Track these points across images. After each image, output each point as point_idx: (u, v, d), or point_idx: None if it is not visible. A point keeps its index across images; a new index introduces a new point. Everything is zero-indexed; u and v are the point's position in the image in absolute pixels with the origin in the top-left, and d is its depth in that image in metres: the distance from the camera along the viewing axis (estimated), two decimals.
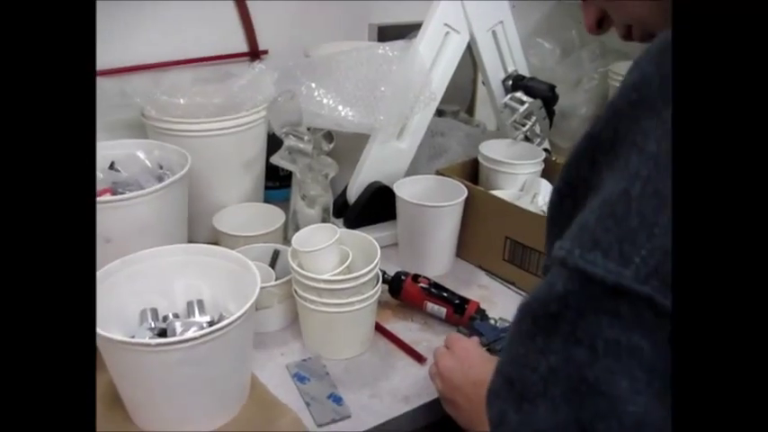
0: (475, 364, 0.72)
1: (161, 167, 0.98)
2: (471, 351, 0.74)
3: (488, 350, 0.78)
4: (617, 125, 0.39)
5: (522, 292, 1.02)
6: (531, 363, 0.37)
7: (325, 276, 0.83)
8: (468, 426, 0.70)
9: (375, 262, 0.85)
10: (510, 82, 1.18)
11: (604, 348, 0.35)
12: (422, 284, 0.94)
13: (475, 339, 0.78)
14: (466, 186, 1.04)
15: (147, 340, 0.70)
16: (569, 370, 0.35)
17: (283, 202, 1.14)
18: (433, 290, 0.94)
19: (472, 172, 1.16)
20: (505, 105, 1.16)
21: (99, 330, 0.68)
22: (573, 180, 0.43)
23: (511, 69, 1.19)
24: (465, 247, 1.08)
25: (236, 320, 0.70)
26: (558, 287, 0.37)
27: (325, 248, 0.84)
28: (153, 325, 0.81)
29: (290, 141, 1.05)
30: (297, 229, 1.10)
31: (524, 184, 1.11)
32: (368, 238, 0.90)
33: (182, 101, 1.04)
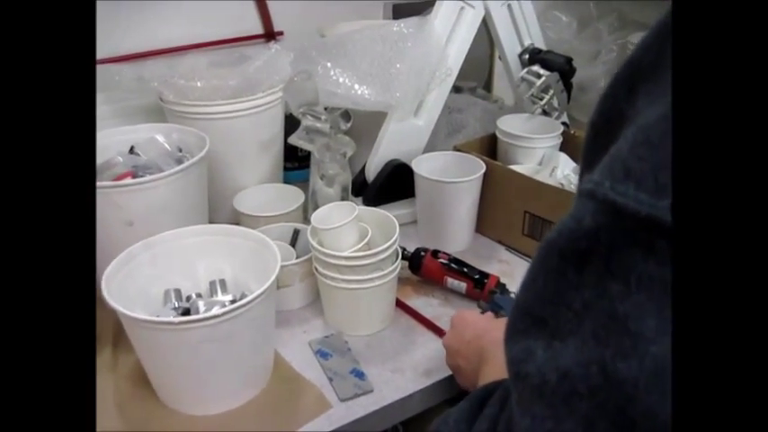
0: (467, 326, 0.74)
1: (180, 150, 0.98)
2: (466, 317, 0.76)
3: None
4: (659, 48, 0.35)
5: None
6: (566, 300, 0.35)
7: (345, 253, 0.83)
8: (471, 385, 0.71)
9: (394, 237, 0.84)
10: (526, 56, 1.17)
11: (637, 283, 0.32)
12: (442, 260, 0.94)
13: (474, 310, 0.79)
14: (484, 162, 1.03)
15: (170, 319, 0.70)
16: (602, 304, 0.33)
17: (303, 183, 1.14)
18: (452, 265, 0.93)
19: (490, 147, 1.15)
20: (522, 79, 1.14)
21: (125, 311, 0.69)
22: (608, 111, 0.38)
23: (527, 43, 1.17)
24: (484, 223, 1.07)
25: (257, 297, 0.70)
26: (586, 221, 0.33)
27: (345, 226, 0.84)
28: (177, 305, 0.81)
29: (307, 121, 1.04)
30: (316, 208, 1.09)
31: (543, 159, 1.10)
32: (386, 215, 0.90)
33: (198, 84, 1.04)
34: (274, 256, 0.78)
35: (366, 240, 0.86)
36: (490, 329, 0.72)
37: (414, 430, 1.21)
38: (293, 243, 0.97)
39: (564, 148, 1.11)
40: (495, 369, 0.65)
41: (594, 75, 1.40)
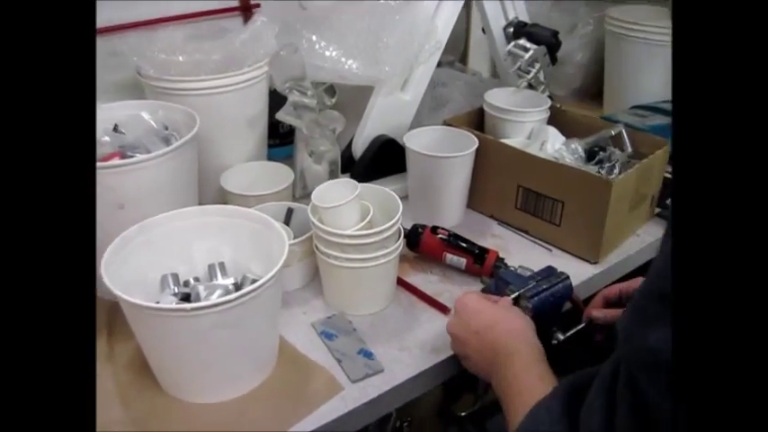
0: (473, 315, 0.73)
1: (166, 128, 0.93)
2: (468, 304, 0.74)
3: (517, 299, 0.77)
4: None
5: (537, 240, 1.01)
6: None
7: (349, 232, 0.81)
8: (486, 375, 0.70)
9: (398, 216, 0.83)
10: (511, 29, 1.15)
11: None
12: (441, 236, 0.93)
13: (473, 292, 0.78)
14: (476, 136, 1.02)
15: (181, 305, 0.67)
16: None
17: (285, 160, 1.11)
18: (452, 240, 0.92)
19: (478, 122, 1.14)
20: (509, 53, 1.13)
21: (126, 297, 0.65)
22: None
23: (512, 16, 1.16)
24: (477, 198, 1.07)
25: (269, 281, 0.68)
26: None
27: (347, 203, 0.82)
28: (176, 290, 0.78)
29: (293, 96, 1.01)
30: (305, 186, 1.09)
31: (531, 132, 1.10)
32: (387, 192, 0.88)
33: (180, 58, 0.99)
34: (280, 236, 0.75)
35: (369, 218, 0.84)
36: (500, 320, 0.71)
37: (405, 410, 1.22)
38: (287, 222, 0.95)
39: (551, 121, 1.11)
40: (522, 362, 0.64)
41: (571, 48, 1.41)
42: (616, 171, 0.96)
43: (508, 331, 0.69)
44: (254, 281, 0.75)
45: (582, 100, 1.49)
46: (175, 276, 0.79)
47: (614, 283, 0.97)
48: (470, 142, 1.01)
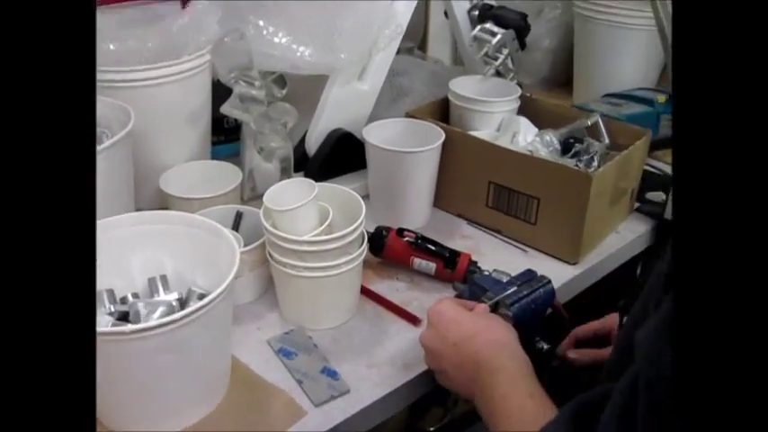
0: (450, 326, 0.70)
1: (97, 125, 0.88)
2: (444, 313, 0.71)
3: (495, 307, 0.74)
4: None
5: (510, 240, 1.00)
6: None
7: (307, 237, 0.77)
8: (467, 393, 0.68)
9: (360, 219, 0.80)
10: (476, 12, 1.13)
11: None
12: (408, 238, 0.90)
13: (448, 299, 0.75)
14: (442, 128, 1.00)
15: (119, 327, 0.62)
16: None
17: (231, 158, 1.07)
18: (420, 244, 0.90)
19: (442, 113, 1.13)
20: (475, 38, 1.11)
21: None
22: None
23: None
24: (443, 196, 1.05)
25: (219, 295, 0.64)
26: None
27: (304, 205, 0.78)
28: (112, 309, 0.73)
29: (239, 88, 0.98)
30: (254, 187, 1.06)
31: (501, 123, 1.08)
32: (348, 192, 0.85)
33: (111, 46, 0.93)
34: (229, 244, 0.71)
35: (328, 221, 0.81)
36: (481, 330, 0.69)
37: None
38: (236, 228, 0.91)
39: (522, 111, 1.10)
40: (509, 378, 0.62)
41: (538, 34, 1.39)
42: (595, 164, 0.95)
43: (490, 342, 0.66)
44: (201, 295, 0.72)
45: (551, 89, 1.48)
46: (111, 293, 0.74)
47: (596, 285, 0.97)
48: (436, 135, 0.99)
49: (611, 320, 0.81)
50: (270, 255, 0.81)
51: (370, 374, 0.76)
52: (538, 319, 0.77)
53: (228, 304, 0.69)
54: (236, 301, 0.85)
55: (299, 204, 0.78)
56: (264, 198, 0.80)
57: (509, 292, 0.76)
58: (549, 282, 0.78)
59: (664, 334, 0.38)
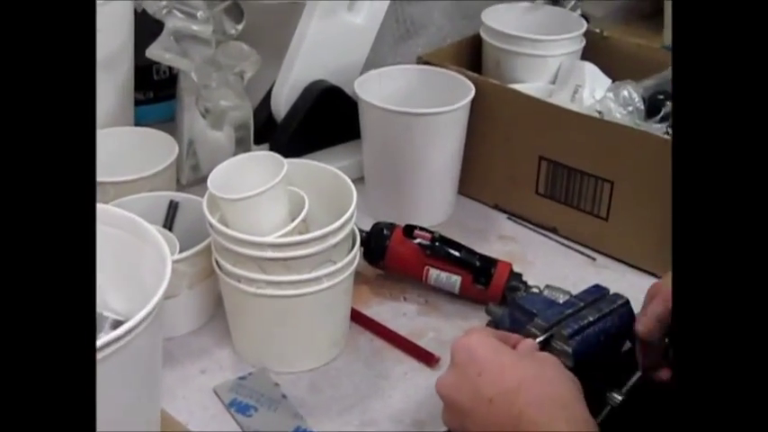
0: (484, 371, 0.69)
1: None
2: (475, 352, 0.71)
3: (547, 341, 0.74)
4: None
5: (571, 244, 1.01)
6: None
7: (272, 238, 0.78)
8: None
9: (350, 211, 0.81)
10: None
11: None
12: (420, 240, 0.91)
13: (480, 330, 0.75)
14: (471, 80, 1.01)
15: None
16: None
17: (164, 124, 1.10)
18: (438, 247, 0.91)
19: (472, 57, 1.15)
20: None
21: None
22: None
23: None
24: (473, 179, 1.07)
25: (140, 323, 0.64)
26: None
27: (268, 192, 0.79)
28: None
29: (174, 22, 1.00)
30: (197, 164, 1.09)
31: (558, 73, 1.10)
32: (332, 172, 0.87)
33: None
34: (158, 249, 0.71)
35: (302, 216, 0.82)
36: (526, 380, 0.68)
37: None
38: (169, 225, 0.92)
39: (588, 55, 1.12)
40: None
41: None
42: None
43: (542, 400, 0.66)
44: (115, 323, 0.72)
45: (631, 22, 1.49)
46: None
47: None
48: (462, 90, 1.01)
49: None
50: (218, 264, 0.82)
51: None
52: (610, 356, 0.77)
53: (156, 336, 0.70)
54: (169, 333, 0.87)
55: (259, 190, 0.78)
56: (209, 181, 0.81)
57: (567, 318, 0.76)
58: (627, 302, 0.78)
59: None
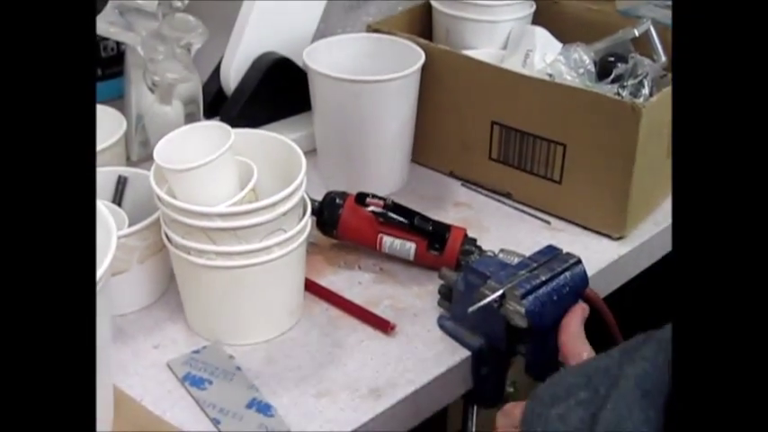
0: None
1: None
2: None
3: (501, 301, 0.74)
4: None
5: (525, 208, 1.01)
6: None
7: (220, 208, 0.78)
8: None
9: (300, 178, 0.80)
10: None
11: None
12: (373, 207, 0.91)
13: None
14: (421, 47, 1.02)
15: None
16: None
17: (110, 101, 1.09)
18: (391, 215, 0.91)
19: (422, 24, 1.15)
20: None
21: None
22: None
23: None
24: (425, 146, 1.07)
25: None
26: None
27: (214, 162, 0.78)
28: None
29: None
30: (146, 141, 1.09)
31: (509, 38, 1.11)
32: (280, 140, 0.86)
33: None
34: (104, 223, 0.70)
35: (251, 185, 0.81)
36: None
37: None
38: (118, 200, 0.92)
39: (539, 20, 1.12)
40: None
41: None
42: (645, 91, 0.96)
43: None
44: None
45: None
46: None
47: (650, 269, 0.97)
48: (413, 57, 1.01)
49: None
50: (167, 237, 0.82)
51: (321, 406, 0.77)
52: (563, 314, 0.77)
53: (105, 312, 0.69)
54: (120, 309, 0.87)
55: (205, 160, 0.78)
56: (155, 153, 0.80)
57: (521, 278, 0.76)
58: (579, 262, 0.79)
59: None
